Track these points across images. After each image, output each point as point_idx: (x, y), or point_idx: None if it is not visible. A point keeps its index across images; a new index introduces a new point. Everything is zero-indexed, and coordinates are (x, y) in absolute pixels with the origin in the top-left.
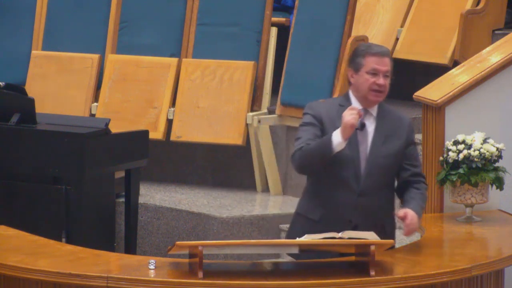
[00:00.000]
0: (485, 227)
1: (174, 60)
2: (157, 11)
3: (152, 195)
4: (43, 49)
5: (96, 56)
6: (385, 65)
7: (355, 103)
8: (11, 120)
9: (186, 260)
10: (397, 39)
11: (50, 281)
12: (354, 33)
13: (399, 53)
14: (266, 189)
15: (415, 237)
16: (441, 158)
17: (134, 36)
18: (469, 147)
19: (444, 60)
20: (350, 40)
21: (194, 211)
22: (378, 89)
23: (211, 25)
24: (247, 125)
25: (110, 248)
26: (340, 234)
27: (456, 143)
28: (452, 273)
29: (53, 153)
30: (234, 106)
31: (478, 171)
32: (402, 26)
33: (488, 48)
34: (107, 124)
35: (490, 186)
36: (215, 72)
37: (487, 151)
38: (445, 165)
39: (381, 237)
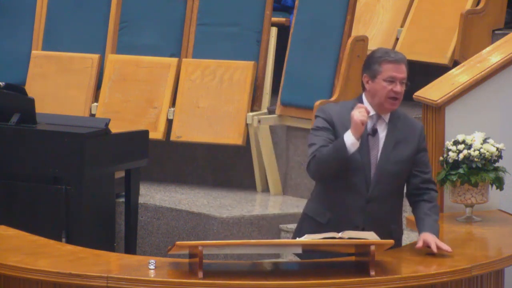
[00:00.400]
0: (485, 227)
1: (174, 60)
2: (157, 11)
3: (152, 195)
4: (43, 49)
5: (96, 56)
6: (402, 72)
7: (368, 108)
8: (11, 120)
9: (186, 260)
10: (397, 39)
11: (50, 281)
12: (354, 33)
13: None
14: (266, 189)
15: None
16: (441, 158)
17: (134, 36)
18: (469, 147)
19: (444, 60)
20: (350, 40)
21: (194, 211)
22: (395, 96)
23: (211, 25)
24: (247, 125)
25: (110, 248)
26: (340, 234)
27: (456, 143)
28: (452, 273)
29: (53, 153)
30: (234, 106)
31: (478, 171)
32: (402, 26)
33: (488, 48)
34: (107, 124)
35: (490, 186)
36: (215, 72)
37: (487, 151)
38: (445, 165)
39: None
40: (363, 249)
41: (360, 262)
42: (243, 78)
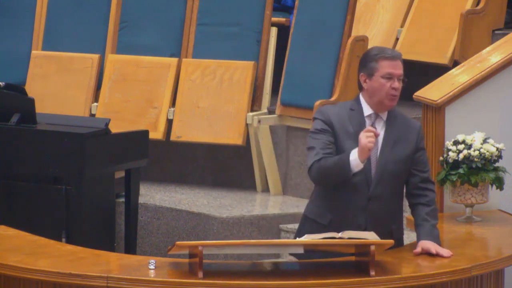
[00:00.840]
0: (485, 227)
1: (174, 60)
2: (157, 11)
3: (152, 195)
4: (43, 49)
5: (96, 56)
6: (399, 68)
7: (366, 108)
8: (11, 120)
9: (186, 260)
10: (397, 39)
11: (50, 281)
12: (354, 33)
13: None
14: (266, 189)
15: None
16: (441, 158)
17: (134, 36)
18: (469, 147)
19: (444, 60)
20: (350, 40)
21: (194, 211)
22: (394, 93)
23: (211, 25)
24: (247, 125)
25: (110, 248)
26: (340, 234)
27: (456, 143)
28: (452, 273)
29: (53, 153)
30: (234, 106)
31: (478, 171)
32: (402, 26)
33: (488, 48)
34: (107, 124)
35: (490, 186)
36: (215, 72)
37: (487, 151)
38: (445, 165)
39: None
40: (363, 249)
41: (360, 262)
42: (243, 78)
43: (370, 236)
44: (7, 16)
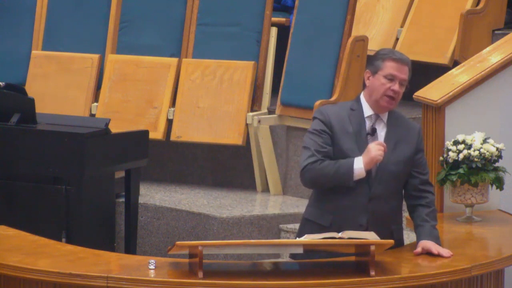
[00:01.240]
0: (485, 227)
1: (174, 60)
2: (157, 11)
3: (152, 195)
4: (43, 49)
5: (96, 56)
6: (404, 73)
7: (367, 108)
8: (11, 120)
9: (186, 260)
10: (397, 39)
11: (50, 281)
12: (354, 33)
13: None
14: (266, 189)
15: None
16: (441, 158)
17: (134, 36)
18: (469, 147)
19: (444, 60)
20: (350, 40)
21: (194, 211)
22: (392, 96)
23: (211, 25)
24: (247, 125)
25: (110, 248)
26: (340, 234)
27: (456, 143)
28: (452, 273)
29: (53, 153)
30: (234, 106)
31: (478, 171)
32: (402, 26)
33: (488, 48)
34: (107, 124)
35: (490, 186)
36: (215, 72)
37: (487, 151)
38: (445, 165)
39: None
40: (363, 249)
41: (360, 262)
42: (243, 78)
43: (370, 236)
44: (7, 16)
